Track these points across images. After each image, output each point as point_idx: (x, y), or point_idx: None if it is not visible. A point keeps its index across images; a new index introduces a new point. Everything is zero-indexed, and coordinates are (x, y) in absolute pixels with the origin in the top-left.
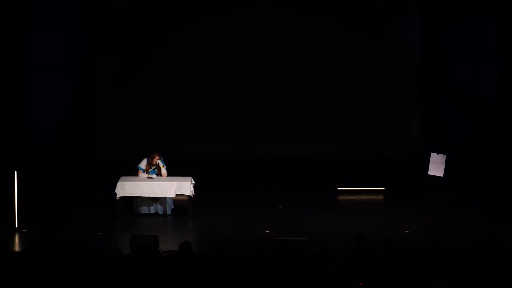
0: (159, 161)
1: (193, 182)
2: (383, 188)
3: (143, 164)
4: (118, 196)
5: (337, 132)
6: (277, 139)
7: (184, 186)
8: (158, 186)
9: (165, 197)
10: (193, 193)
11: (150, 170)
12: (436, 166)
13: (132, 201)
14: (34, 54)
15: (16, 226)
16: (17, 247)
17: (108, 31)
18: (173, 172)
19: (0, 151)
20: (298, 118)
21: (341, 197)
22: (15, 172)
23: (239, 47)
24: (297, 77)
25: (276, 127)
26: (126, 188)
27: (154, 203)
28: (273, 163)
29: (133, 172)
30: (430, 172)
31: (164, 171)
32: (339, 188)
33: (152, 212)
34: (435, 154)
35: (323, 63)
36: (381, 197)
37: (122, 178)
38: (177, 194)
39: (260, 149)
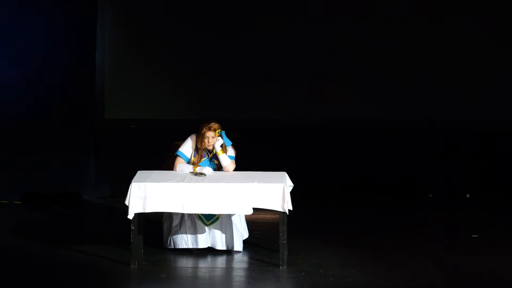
0: (219, 140)
1: (291, 184)
2: None
3: (186, 148)
4: (131, 212)
5: None
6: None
7: (273, 193)
8: (216, 192)
9: (231, 216)
10: (290, 207)
11: (201, 160)
12: None
13: (162, 224)
14: None
15: None
16: None
17: None
18: (241, 164)
19: None
20: None
21: None
22: None
23: None
24: None
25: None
26: (149, 196)
27: (207, 228)
28: (461, 144)
29: (163, 162)
30: None
31: (226, 160)
32: None
33: (201, 246)
34: None
35: None
36: None
37: (139, 173)
38: (255, 210)
39: (418, 116)
